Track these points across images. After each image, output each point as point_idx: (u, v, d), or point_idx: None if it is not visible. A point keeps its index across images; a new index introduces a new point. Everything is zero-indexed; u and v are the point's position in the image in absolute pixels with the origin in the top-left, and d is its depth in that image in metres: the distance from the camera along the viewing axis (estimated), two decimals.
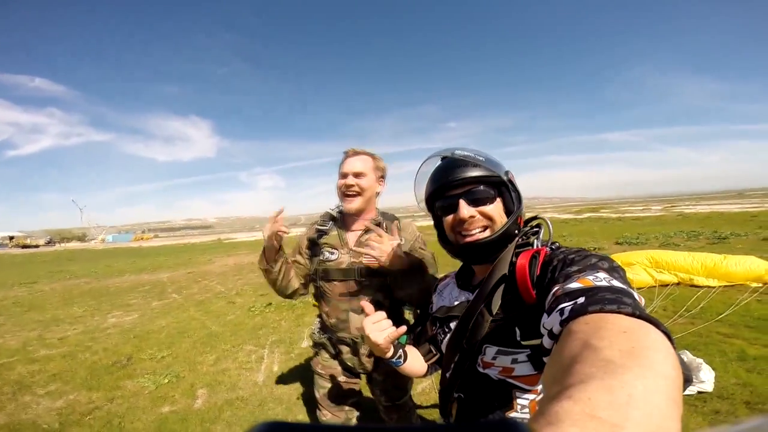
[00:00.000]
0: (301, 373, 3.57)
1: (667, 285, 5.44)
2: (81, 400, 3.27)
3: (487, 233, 0.88)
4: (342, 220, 1.72)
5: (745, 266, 5.21)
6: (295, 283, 1.73)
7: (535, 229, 0.92)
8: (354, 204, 1.60)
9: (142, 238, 68.91)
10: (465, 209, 0.88)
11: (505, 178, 0.90)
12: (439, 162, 0.96)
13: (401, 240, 1.54)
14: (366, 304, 1.01)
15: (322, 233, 1.72)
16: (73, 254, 29.95)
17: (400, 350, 1.03)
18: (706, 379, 2.60)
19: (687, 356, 2.82)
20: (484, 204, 0.88)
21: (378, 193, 1.69)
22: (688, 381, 0.61)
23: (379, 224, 1.61)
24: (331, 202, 1.76)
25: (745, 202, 34.81)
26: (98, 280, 11.80)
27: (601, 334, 0.43)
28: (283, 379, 3.51)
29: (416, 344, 1.15)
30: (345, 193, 1.60)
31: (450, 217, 0.92)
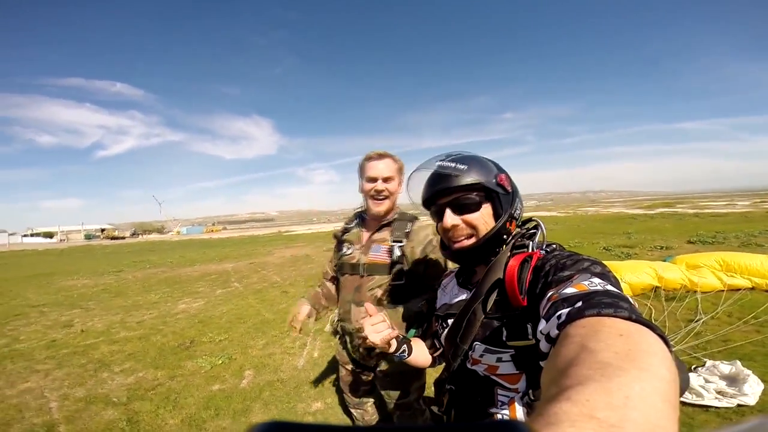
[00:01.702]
0: (337, 361, 3.76)
1: (738, 290, 4.90)
2: (148, 377, 3.70)
3: (472, 240, 0.92)
4: (362, 219, 1.85)
5: None
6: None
7: (532, 231, 0.92)
8: (383, 207, 1.67)
9: (212, 230, 73.41)
10: (449, 218, 0.92)
11: (492, 182, 0.90)
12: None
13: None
14: (369, 306, 1.05)
15: (346, 230, 1.86)
16: (153, 245, 33.34)
17: (404, 345, 1.10)
18: (750, 392, 2.38)
19: (736, 366, 2.58)
20: (469, 212, 0.91)
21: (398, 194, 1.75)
22: (681, 391, 0.63)
23: (390, 223, 1.71)
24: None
25: None
26: (172, 270, 12.90)
27: (598, 337, 0.44)
28: (320, 365, 3.73)
29: (423, 338, 1.24)
30: (374, 197, 1.67)
31: (439, 225, 0.96)
